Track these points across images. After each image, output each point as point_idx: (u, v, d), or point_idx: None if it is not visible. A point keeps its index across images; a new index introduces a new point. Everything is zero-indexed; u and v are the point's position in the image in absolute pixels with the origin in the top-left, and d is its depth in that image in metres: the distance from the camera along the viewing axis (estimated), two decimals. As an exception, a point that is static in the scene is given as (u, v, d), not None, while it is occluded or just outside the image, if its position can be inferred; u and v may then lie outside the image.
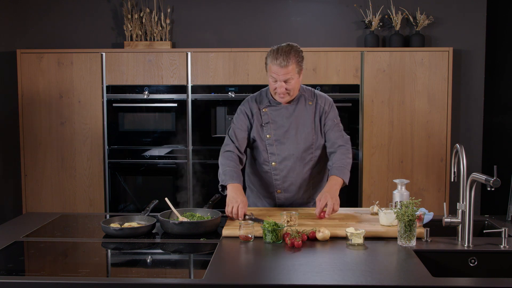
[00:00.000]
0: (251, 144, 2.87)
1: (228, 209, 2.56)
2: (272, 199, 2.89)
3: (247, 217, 2.55)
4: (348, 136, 2.86)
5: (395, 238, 2.32)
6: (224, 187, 2.73)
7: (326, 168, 2.90)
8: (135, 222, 2.55)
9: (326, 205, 2.56)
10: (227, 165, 2.75)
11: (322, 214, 2.57)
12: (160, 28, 4.29)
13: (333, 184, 2.66)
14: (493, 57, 4.26)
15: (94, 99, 4.08)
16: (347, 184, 2.74)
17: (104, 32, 4.42)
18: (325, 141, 2.85)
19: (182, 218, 2.54)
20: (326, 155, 2.87)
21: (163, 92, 4.05)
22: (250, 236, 2.32)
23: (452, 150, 3.96)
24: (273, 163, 2.81)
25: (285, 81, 2.66)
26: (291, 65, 2.63)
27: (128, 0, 4.31)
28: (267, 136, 2.80)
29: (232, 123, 2.87)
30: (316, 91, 2.88)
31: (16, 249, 2.28)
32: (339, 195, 2.64)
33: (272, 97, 2.80)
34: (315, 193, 2.88)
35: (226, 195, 2.68)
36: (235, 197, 2.59)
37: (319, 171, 2.88)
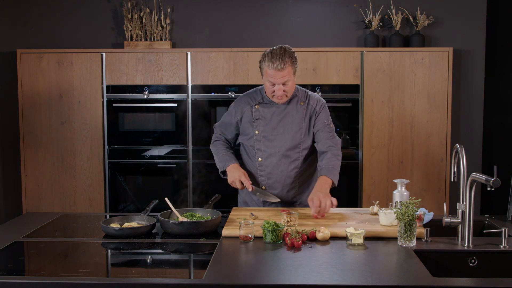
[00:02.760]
0: (239, 141, 2.95)
1: (234, 185, 2.80)
2: None
3: (256, 194, 2.80)
4: (339, 139, 2.88)
5: (395, 238, 2.32)
6: (224, 173, 2.89)
7: (314, 169, 2.95)
8: (135, 222, 2.55)
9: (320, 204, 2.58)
10: (220, 151, 2.92)
11: (321, 214, 2.58)
12: (160, 28, 4.29)
13: (323, 183, 2.69)
14: (493, 57, 4.26)
15: (94, 99, 4.08)
16: (336, 185, 2.77)
17: (104, 32, 4.42)
18: (314, 142, 2.89)
19: (182, 218, 2.54)
20: (314, 156, 2.92)
21: (163, 92, 4.05)
22: (250, 236, 2.32)
23: (452, 150, 3.96)
24: (259, 159, 2.86)
25: (283, 84, 2.70)
26: (288, 68, 2.67)
27: (128, 0, 4.31)
28: (256, 132, 2.85)
29: (222, 118, 2.98)
30: (309, 92, 2.91)
31: (16, 249, 2.28)
32: (337, 196, 2.66)
33: (266, 96, 2.83)
34: (301, 193, 2.92)
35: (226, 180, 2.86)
36: (233, 174, 2.79)
37: (305, 171, 2.91)
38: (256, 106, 2.86)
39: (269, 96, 2.80)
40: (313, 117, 2.85)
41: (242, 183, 2.77)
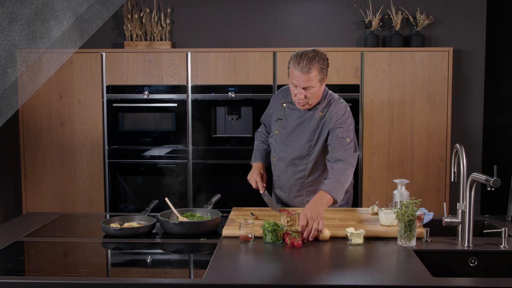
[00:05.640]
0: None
1: (249, 182, 2.81)
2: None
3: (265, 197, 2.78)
4: (352, 153, 2.62)
5: (395, 238, 2.32)
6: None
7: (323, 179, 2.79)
8: (135, 222, 2.55)
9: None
10: (256, 144, 2.98)
11: (306, 236, 2.30)
12: (160, 28, 4.29)
13: (319, 200, 2.44)
14: (493, 57, 4.26)
15: (94, 99, 4.08)
16: (338, 202, 2.52)
17: (104, 32, 4.42)
18: (327, 152, 2.72)
19: (182, 218, 2.54)
20: (324, 166, 2.74)
21: (163, 92, 4.05)
22: (250, 236, 2.32)
23: (452, 150, 3.96)
24: (273, 159, 2.85)
25: (305, 88, 2.57)
26: (313, 72, 2.53)
27: (128, 0, 4.31)
28: (275, 132, 2.82)
29: (266, 109, 3.01)
30: (332, 102, 2.71)
31: (16, 249, 2.28)
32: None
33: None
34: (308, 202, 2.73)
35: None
36: (252, 172, 2.83)
37: (313, 183, 2.78)
38: (284, 104, 2.80)
39: (293, 99, 2.68)
40: (325, 131, 2.68)
41: (256, 183, 2.78)
